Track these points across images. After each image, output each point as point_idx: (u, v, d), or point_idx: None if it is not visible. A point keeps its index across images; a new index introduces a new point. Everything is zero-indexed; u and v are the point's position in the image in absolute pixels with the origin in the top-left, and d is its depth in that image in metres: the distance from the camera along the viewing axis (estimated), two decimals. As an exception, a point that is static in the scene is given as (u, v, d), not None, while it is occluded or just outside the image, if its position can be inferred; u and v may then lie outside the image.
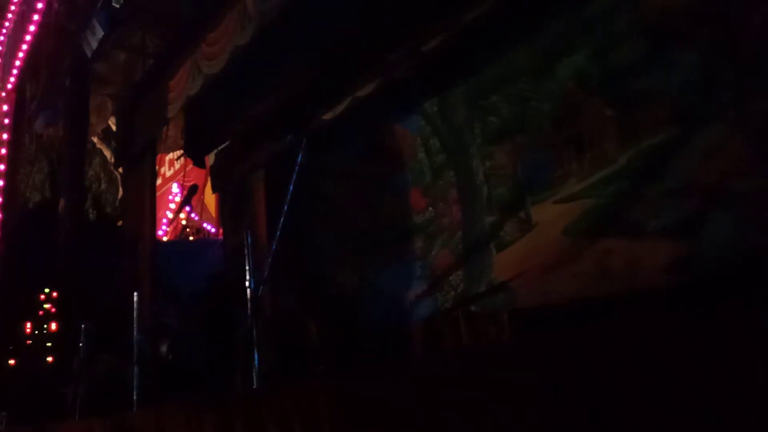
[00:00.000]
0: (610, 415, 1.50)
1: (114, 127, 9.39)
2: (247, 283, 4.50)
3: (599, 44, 4.00)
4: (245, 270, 4.55)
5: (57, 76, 9.09)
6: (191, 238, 10.94)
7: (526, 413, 2.18)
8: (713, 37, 3.48)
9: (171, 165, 11.90)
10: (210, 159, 7.57)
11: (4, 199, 11.36)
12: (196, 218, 10.73)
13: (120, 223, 9.82)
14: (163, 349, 6.73)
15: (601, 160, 4.05)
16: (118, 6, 6.65)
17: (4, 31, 11.46)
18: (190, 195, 8.08)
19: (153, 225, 7.76)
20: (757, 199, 3.25)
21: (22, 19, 10.69)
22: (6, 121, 12.01)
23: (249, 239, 5.00)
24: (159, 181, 10.82)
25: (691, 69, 3.54)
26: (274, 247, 4.62)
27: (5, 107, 12.07)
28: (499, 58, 4.59)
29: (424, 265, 5.32)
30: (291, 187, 4.57)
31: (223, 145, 6.94)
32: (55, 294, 8.72)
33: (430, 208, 5.32)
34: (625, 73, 3.89)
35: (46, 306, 8.87)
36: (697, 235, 3.48)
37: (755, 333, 1.19)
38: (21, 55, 10.92)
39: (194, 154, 7.57)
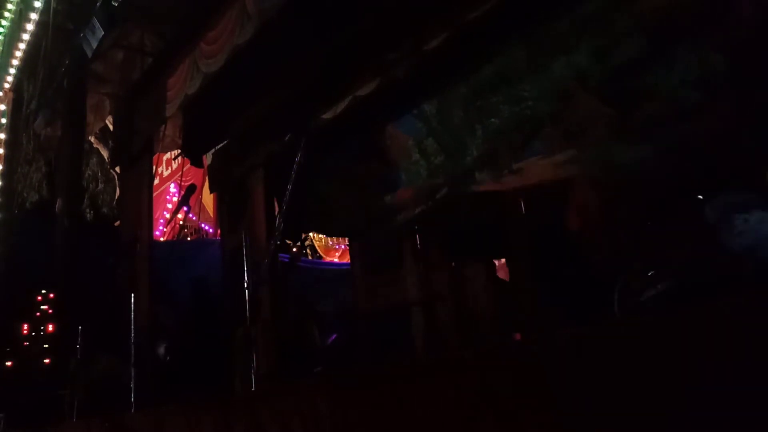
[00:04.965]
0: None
1: (111, 127, 9.35)
2: (245, 284, 4.47)
3: (597, 42, 3.98)
4: (244, 270, 4.53)
5: (55, 76, 9.05)
6: (189, 238, 10.91)
7: (526, 413, 2.17)
8: (711, 33, 3.46)
9: (168, 164, 11.84)
10: (207, 158, 7.54)
11: (1, 198, 11.32)
12: (194, 218, 10.69)
13: (117, 223, 9.78)
14: (161, 350, 6.70)
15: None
16: (116, 4, 6.61)
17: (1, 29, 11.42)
18: (187, 195, 8.04)
19: (150, 225, 7.73)
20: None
21: (20, 18, 10.65)
22: (4, 120, 11.97)
23: (247, 240, 4.98)
24: (156, 181, 10.78)
25: (689, 66, 3.53)
26: (272, 247, 4.60)
27: (3, 107, 12.03)
28: (500, 57, 4.57)
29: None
30: (290, 187, 4.54)
31: (221, 144, 6.90)
32: (52, 295, 8.68)
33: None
34: (623, 70, 3.87)
35: (43, 307, 8.83)
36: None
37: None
38: (19, 54, 10.89)
39: (192, 154, 7.53)
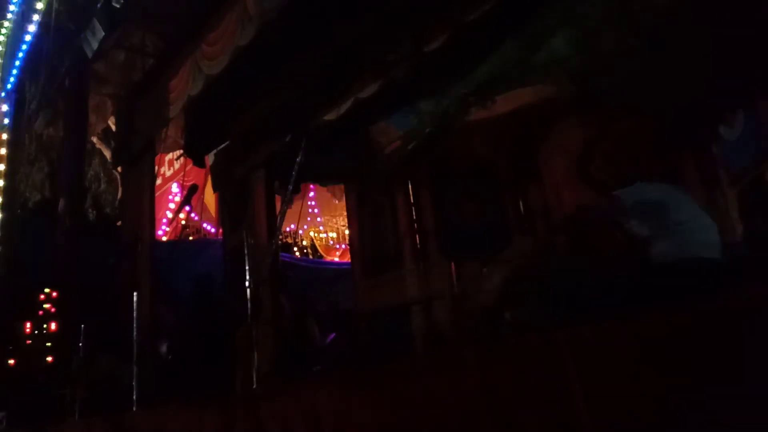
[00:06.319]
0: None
1: (114, 127, 9.38)
2: (246, 283, 4.48)
3: (584, 35, 4.02)
4: (245, 270, 4.54)
5: (57, 76, 9.08)
6: (191, 238, 10.94)
7: (526, 413, 2.17)
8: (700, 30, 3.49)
9: (171, 165, 11.88)
10: (210, 159, 7.56)
11: (4, 198, 11.35)
12: (196, 218, 10.72)
13: (119, 223, 9.80)
14: (163, 349, 6.72)
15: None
16: (118, 6, 6.62)
17: (3, 30, 11.45)
18: (189, 195, 8.04)
19: (152, 225, 7.74)
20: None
21: (22, 19, 10.68)
22: (6, 120, 12.00)
23: (248, 239, 4.99)
24: (159, 181, 10.80)
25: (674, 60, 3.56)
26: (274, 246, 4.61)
27: (5, 107, 12.06)
28: (493, 53, 4.60)
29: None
30: (290, 187, 4.55)
31: (223, 144, 6.92)
32: (54, 294, 8.72)
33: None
34: (610, 62, 3.91)
35: (46, 306, 8.87)
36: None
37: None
38: (21, 54, 10.91)
39: (194, 154, 7.55)
